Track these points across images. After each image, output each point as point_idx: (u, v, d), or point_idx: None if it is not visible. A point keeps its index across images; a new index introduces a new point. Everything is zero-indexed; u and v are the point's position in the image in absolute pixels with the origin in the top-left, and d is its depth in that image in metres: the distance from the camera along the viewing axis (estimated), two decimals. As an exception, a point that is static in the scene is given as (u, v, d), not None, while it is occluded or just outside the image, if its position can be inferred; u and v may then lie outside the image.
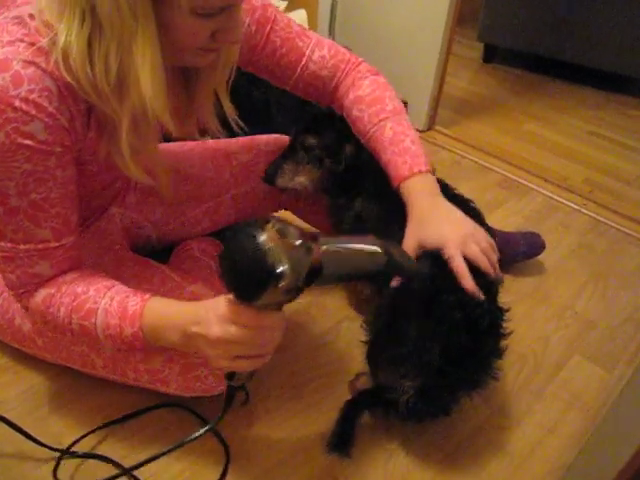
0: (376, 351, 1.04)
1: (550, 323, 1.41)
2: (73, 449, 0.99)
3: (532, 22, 2.84)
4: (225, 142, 1.30)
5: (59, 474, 0.96)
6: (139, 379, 0.99)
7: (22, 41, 0.71)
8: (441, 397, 1.01)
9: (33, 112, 0.71)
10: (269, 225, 0.69)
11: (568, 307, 1.46)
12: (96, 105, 0.76)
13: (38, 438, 0.96)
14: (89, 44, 0.70)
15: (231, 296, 0.73)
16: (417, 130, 2.16)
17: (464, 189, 1.88)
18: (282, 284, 0.68)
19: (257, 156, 1.28)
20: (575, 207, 1.89)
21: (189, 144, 1.29)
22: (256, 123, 1.61)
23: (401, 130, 1.02)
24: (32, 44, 0.71)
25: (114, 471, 0.96)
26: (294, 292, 0.71)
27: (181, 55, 0.80)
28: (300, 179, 1.20)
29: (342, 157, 1.15)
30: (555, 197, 1.94)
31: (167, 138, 1.40)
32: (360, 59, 1.13)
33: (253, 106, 1.79)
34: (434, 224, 0.93)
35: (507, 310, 1.02)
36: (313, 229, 1.40)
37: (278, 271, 0.67)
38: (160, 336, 0.82)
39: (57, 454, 0.97)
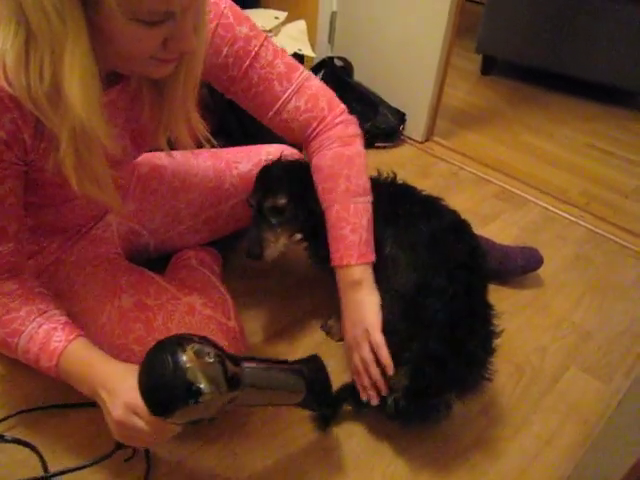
0: None
1: (547, 334, 1.41)
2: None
3: (530, 34, 2.86)
4: (227, 150, 1.30)
5: None
6: None
7: None
8: (429, 397, 1.01)
9: None
10: (189, 346, 0.73)
11: (565, 319, 1.46)
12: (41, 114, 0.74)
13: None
14: (26, 52, 0.68)
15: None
16: (415, 141, 2.21)
17: (461, 200, 1.92)
18: (197, 403, 0.72)
19: (257, 165, 1.27)
20: (572, 219, 1.90)
21: (193, 152, 1.28)
22: (257, 131, 1.61)
23: (344, 217, 1.02)
24: None
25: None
26: (205, 413, 0.75)
27: (132, 64, 0.77)
28: (283, 242, 1.14)
29: (314, 204, 1.08)
30: (552, 209, 1.94)
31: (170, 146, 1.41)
32: (340, 115, 1.09)
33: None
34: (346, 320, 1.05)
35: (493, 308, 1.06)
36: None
37: (195, 388, 0.71)
38: (72, 381, 0.84)
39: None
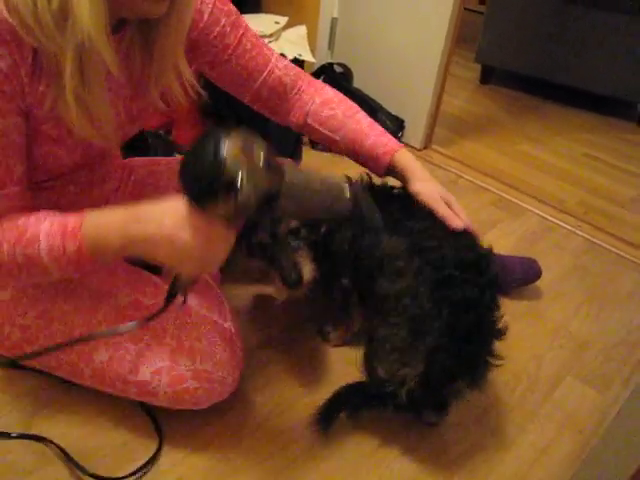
0: (377, 345, 1.05)
1: (544, 343, 1.40)
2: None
3: (529, 45, 2.88)
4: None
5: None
6: (127, 390, 0.97)
7: None
8: (442, 384, 1.00)
9: None
10: (237, 138, 0.71)
11: (562, 328, 1.46)
12: (41, 45, 0.75)
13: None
14: None
15: (183, 200, 0.75)
16: (414, 149, 2.21)
17: (459, 207, 1.91)
18: (236, 197, 0.70)
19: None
20: (570, 228, 1.90)
21: (170, 159, 1.31)
22: (254, 132, 1.61)
23: (373, 121, 1.15)
24: None
25: None
26: (244, 209, 0.73)
27: (131, 2, 0.78)
28: (309, 260, 1.08)
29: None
30: (550, 218, 1.94)
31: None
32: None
33: (252, 117, 1.79)
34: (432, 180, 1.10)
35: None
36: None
37: (233, 182, 0.69)
38: (102, 246, 0.79)
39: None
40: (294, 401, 1.16)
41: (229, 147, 0.70)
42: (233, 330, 1.04)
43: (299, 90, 1.16)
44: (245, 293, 1.40)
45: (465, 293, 0.96)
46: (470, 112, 2.79)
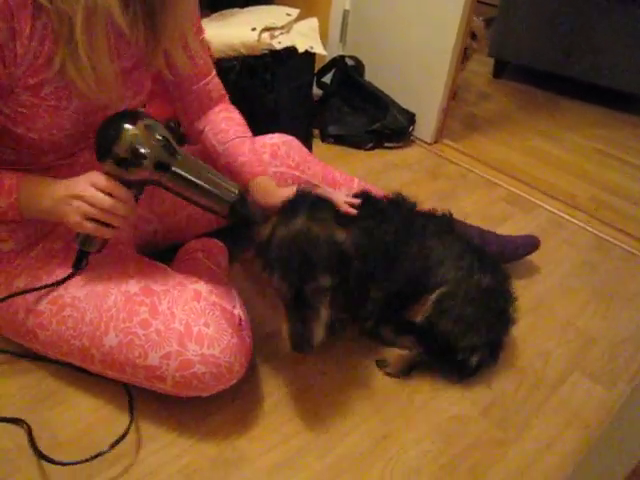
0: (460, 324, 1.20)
1: (551, 339, 1.40)
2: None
3: (543, 39, 2.86)
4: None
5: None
6: (136, 374, 0.99)
7: None
8: (501, 346, 1.27)
9: None
10: (140, 117, 0.92)
11: (570, 324, 1.46)
12: (53, 5, 0.82)
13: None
14: None
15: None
16: (425, 142, 2.21)
17: (469, 203, 1.92)
18: (130, 162, 0.90)
19: (263, 146, 1.35)
20: (580, 224, 1.89)
21: None
22: (264, 125, 1.62)
23: (255, 148, 1.23)
24: None
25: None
26: (137, 172, 0.92)
27: None
28: (327, 318, 1.04)
29: (350, 274, 1.04)
30: (560, 214, 1.94)
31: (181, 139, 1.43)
32: None
33: (263, 107, 1.81)
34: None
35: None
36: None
37: (127, 149, 0.89)
38: (33, 205, 0.94)
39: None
40: (302, 391, 1.17)
41: (129, 123, 0.90)
42: (242, 317, 1.05)
43: (216, 105, 1.26)
44: (251, 284, 1.41)
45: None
46: (482, 106, 2.78)
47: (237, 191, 1.00)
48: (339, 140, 2.20)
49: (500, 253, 1.52)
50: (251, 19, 1.88)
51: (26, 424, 1.01)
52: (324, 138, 2.21)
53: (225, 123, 1.24)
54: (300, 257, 0.97)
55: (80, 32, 0.84)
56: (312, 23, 2.03)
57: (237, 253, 1.45)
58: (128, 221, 0.95)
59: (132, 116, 0.92)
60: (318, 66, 2.20)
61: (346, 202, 1.13)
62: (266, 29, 1.83)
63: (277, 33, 1.87)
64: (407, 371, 1.24)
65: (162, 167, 0.93)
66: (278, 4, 2.18)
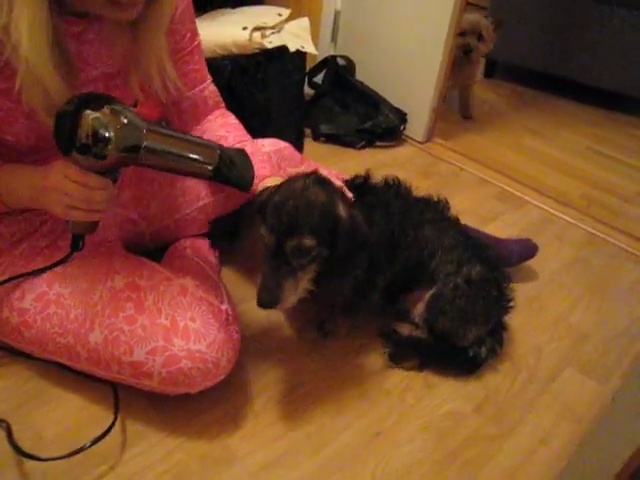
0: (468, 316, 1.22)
1: (544, 334, 1.39)
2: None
3: (533, 39, 2.87)
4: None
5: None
6: (122, 372, 0.97)
7: None
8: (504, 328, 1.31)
9: None
10: (102, 100, 0.85)
11: (563, 319, 1.45)
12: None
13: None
14: None
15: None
16: (416, 141, 2.21)
17: (461, 200, 1.92)
18: (97, 149, 0.84)
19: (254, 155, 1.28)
20: (572, 221, 1.89)
21: None
22: (256, 124, 1.61)
23: (258, 149, 1.18)
24: None
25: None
26: (108, 159, 0.86)
27: (90, 6, 0.83)
28: (303, 287, 1.00)
29: (338, 239, 0.99)
30: (552, 210, 1.93)
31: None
32: None
33: (254, 107, 1.79)
34: None
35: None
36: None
37: (91, 137, 0.83)
38: (14, 194, 0.93)
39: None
40: (293, 390, 1.16)
41: (87, 110, 0.83)
42: (230, 312, 1.03)
43: (212, 111, 1.25)
44: (241, 283, 1.40)
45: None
46: (473, 105, 2.78)
47: (218, 151, 0.94)
48: (331, 139, 2.20)
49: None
50: (242, 19, 1.87)
51: (6, 423, 0.99)
52: (316, 137, 2.20)
53: (224, 129, 1.20)
54: (294, 212, 0.94)
55: (23, 78, 0.82)
56: (303, 23, 2.02)
57: (227, 253, 1.44)
58: (110, 204, 0.93)
59: (92, 100, 0.85)
60: (309, 66, 2.20)
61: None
62: (257, 28, 1.82)
63: (268, 33, 1.86)
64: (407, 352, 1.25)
65: (132, 148, 0.88)
66: (269, 4, 2.18)
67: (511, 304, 1.28)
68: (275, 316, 1.33)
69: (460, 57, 2.34)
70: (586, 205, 2.00)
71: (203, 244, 1.30)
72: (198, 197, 1.26)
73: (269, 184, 1.07)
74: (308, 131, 2.21)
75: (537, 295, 1.52)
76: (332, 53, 2.35)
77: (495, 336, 1.27)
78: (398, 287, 1.24)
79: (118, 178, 0.94)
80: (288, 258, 0.95)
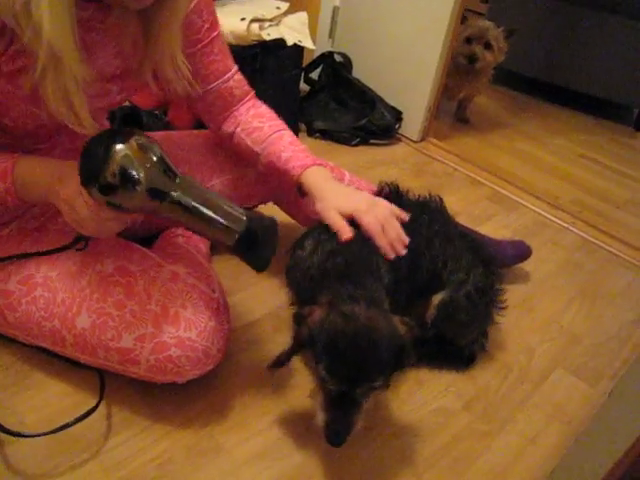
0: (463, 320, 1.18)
1: (536, 335, 1.39)
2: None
3: (529, 46, 2.88)
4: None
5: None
6: (109, 358, 0.95)
7: None
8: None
9: None
10: (132, 138, 0.77)
11: (554, 321, 1.45)
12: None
13: None
14: None
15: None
16: (411, 140, 2.20)
17: (454, 200, 1.92)
18: (119, 190, 0.76)
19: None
20: (564, 225, 1.89)
21: (183, 132, 1.31)
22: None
23: (296, 139, 1.15)
24: None
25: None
26: (129, 201, 0.78)
27: None
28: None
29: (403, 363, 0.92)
30: (544, 214, 1.94)
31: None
32: None
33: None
34: (344, 195, 1.07)
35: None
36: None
37: (118, 177, 0.75)
38: (29, 190, 0.88)
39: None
40: (283, 383, 1.14)
41: (124, 145, 0.76)
42: (221, 301, 1.01)
43: (241, 103, 1.18)
44: (232, 273, 1.38)
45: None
46: (469, 108, 2.78)
47: (245, 218, 0.86)
48: (325, 135, 2.18)
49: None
50: (241, 10, 1.86)
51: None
52: (311, 133, 2.19)
53: (257, 120, 1.16)
54: (362, 357, 0.84)
55: (40, 73, 0.77)
56: (302, 17, 2.01)
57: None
58: (118, 231, 0.88)
59: (123, 134, 0.78)
60: (306, 61, 2.19)
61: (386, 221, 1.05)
62: (255, 20, 1.81)
63: (266, 25, 1.85)
64: None
65: (158, 194, 0.79)
66: (267, -3, 2.16)
67: (504, 304, 1.26)
68: (267, 309, 1.31)
69: (465, 66, 2.32)
70: (578, 210, 2.00)
71: (195, 232, 1.28)
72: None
73: (315, 173, 1.06)
74: (303, 127, 2.19)
75: (530, 296, 1.52)
76: (329, 49, 2.34)
77: (483, 332, 1.27)
78: (413, 297, 1.18)
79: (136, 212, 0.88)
80: (356, 398, 0.87)
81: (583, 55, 2.75)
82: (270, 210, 1.36)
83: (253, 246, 0.88)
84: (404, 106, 2.25)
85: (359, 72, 2.32)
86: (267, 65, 1.82)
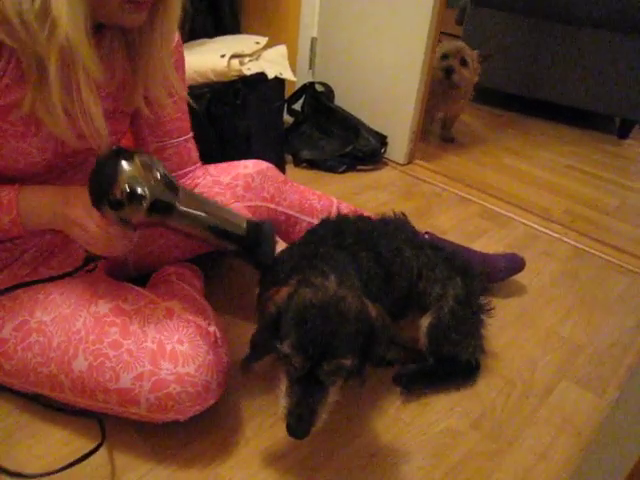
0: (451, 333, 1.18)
1: (537, 348, 1.38)
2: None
3: (510, 63, 2.93)
4: (205, 166, 1.30)
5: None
6: (108, 400, 0.93)
7: None
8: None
9: None
10: (137, 157, 0.83)
11: (554, 332, 1.44)
12: (23, 46, 0.77)
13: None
14: None
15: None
16: (397, 163, 2.22)
17: (446, 219, 1.92)
18: (126, 206, 0.82)
19: (236, 178, 1.28)
20: (556, 236, 1.90)
21: None
22: (236, 151, 1.60)
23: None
24: None
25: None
26: (135, 217, 0.84)
27: (108, 10, 0.82)
28: (333, 400, 0.89)
29: (374, 346, 0.90)
30: (536, 227, 1.94)
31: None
32: None
33: (234, 133, 1.79)
34: None
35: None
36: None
37: (125, 194, 0.81)
38: (35, 218, 0.91)
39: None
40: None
41: (129, 163, 0.82)
42: (218, 334, 1.00)
43: (196, 168, 1.26)
44: (229, 307, 1.37)
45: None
46: (453, 128, 2.82)
47: (245, 225, 0.93)
48: (312, 165, 2.20)
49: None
50: (220, 47, 1.88)
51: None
52: (297, 163, 2.20)
53: (217, 187, 1.24)
54: (329, 330, 0.81)
55: (54, 78, 0.80)
56: (281, 50, 2.04)
57: (212, 277, 1.42)
58: (128, 249, 0.94)
59: (128, 154, 0.84)
60: (288, 94, 2.21)
61: None
62: (235, 56, 1.83)
63: (246, 60, 1.87)
64: (419, 381, 1.22)
65: (164, 207, 0.85)
66: (246, 33, 2.20)
67: (490, 305, 1.27)
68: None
69: (442, 81, 2.37)
70: (570, 220, 2.01)
71: (188, 268, 1.28)
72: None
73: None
74: (289, 157, 2.21)
75: (527, 310, 1.51)
76: (310, 80, 2.37)
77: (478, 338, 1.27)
78: (393, 316, 1.19)
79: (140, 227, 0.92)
80: (321, 378, 0.83)
81: (563, 68, 2.80)
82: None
83: (254, 248, 0.95)
84: (388, 130, 2.27)
85: (341, 100, 2.35)
86: (250, 99, 1.84)
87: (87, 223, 0.86)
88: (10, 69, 0.82)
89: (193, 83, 1.78)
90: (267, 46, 1.99)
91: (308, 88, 2.32)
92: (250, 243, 0.94)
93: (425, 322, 1.18)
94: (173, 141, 1.18)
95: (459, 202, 2.08)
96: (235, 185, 1.27)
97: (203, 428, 1.04)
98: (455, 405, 1.19)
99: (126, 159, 0.82)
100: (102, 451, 0.97)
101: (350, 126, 2.26)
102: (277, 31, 2.30)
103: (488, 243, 1.80)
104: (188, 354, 0.93)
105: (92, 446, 0.98)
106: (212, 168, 1.30)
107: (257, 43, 1.97)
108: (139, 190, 0.82)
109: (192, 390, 0.92)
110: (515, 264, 1.54)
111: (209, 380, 0.94)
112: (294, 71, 2.09)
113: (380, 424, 1.12)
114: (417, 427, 1.12)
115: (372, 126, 2.27)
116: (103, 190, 0.82)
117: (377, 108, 2.30)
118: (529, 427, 1.16)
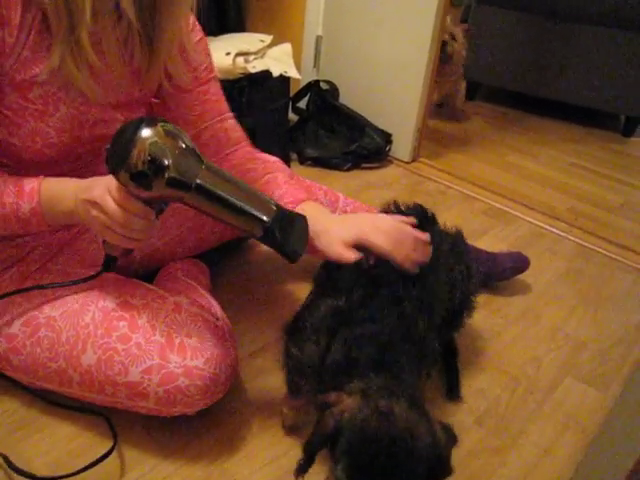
0: None
1: (541, 345, 1.38)
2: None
3: (513, 60, 2.93)
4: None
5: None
6: (117, 394, 0.94)
7: None
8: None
9: None
10: (160, 122, 0.78)
11: (559, 329, 1.44)
12: None
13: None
14: None
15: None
16: (402, 161, 2.22)
17: (450, 217, 1.92)
18: (148, 177, 0.76)
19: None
20: (561, 234, 1.90)
21: None
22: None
23: (291, 177, 1.12)
24: None
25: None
26: (157, 186, 0.77)
27: None
28: None
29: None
30: (540, 224, 1.94)
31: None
32: None
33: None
34: (341, 223, 0.98)
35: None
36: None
37: (146, 163, 0.75)
38: (55, 208, 0.89)
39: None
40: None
41: (151, 131, 0.77)
42: (225, 328, 1.01)
43: (239, 147, 1.17)
44: (234, 304, 1.38)
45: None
46: (457, 126, 2.82)
47: (275, 208, 0.84)
48: (317, 162, 2.20)
49: (487, 274, 1.51)
50: (225, 45, 1.89)
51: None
52: (302, 161, 2.21)
53: (250, 162, 1.14)
54: (391, 467, 0.69)
55: (87, 23, 0.82)
56: (286, 48, 2.05)
57: (218, 274, 1.43)
58: (148, 235, 0.87)
59: (151, 120, 0.79)
60: (293, 92, 2.22)
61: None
62: (240, 54, 1.84)
63: (251, 58, 1.88)
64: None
65: (184, 180, 0.79)
66: (251, 32, 2.21)
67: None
68: (271, 338, 1.30)
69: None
70: (574, 218, 2.01)
71: (194, 264, 1.29)
72: (187, 217, 1.24)
73: (309, 207, 1.00)
74: (294, 155, 2.22)
75: (532, 307, 1.52)
76: (315, 78, 2.37)
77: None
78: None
79: (164, 210, 0.88)
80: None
81: (568, 67, 2.79)
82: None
83: (285, 236, 0.86)
84: (393, 128, 2.27)
85: (346, 98, 2.36)
86: (255, 97, 1.85)
87: (106, 201, 0.80)
88: (35, 25, 0.84)
89: (198, 81, 1.79)
90: (272, 44, 2.00)
91: (313, 86, 2.32)
92: (275, 231, 0.84)
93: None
94: (206, 124, 1.13)
95: (464, 200, 2.08)
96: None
97: (209, 423, 1.05)
98: (459, 401, 1.19)
99: (148, 125, 0.77)
100: (107, 446, 0.97)
101: (355, 124, 2.26)
102: (282, 29, 2.30)
103: (492, 241, 1.81)
104: (196, 347, 0.93)
105: (99, 441, 1.00)
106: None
107: (262, 41, 1.98)
108: (159, 156, 0.76)
109: (200, 383, 0.92)
110: (520, 263, 1.54)
111: (218, 373, 0.94)
112: (299, 69, 2.10)
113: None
114: (422, 423, 1.13)
115: (377, 124, 2.27)
116: (122, 155, 0.76)
117: (382, 106, 2.30)
118: (533, 423, 1.16)
